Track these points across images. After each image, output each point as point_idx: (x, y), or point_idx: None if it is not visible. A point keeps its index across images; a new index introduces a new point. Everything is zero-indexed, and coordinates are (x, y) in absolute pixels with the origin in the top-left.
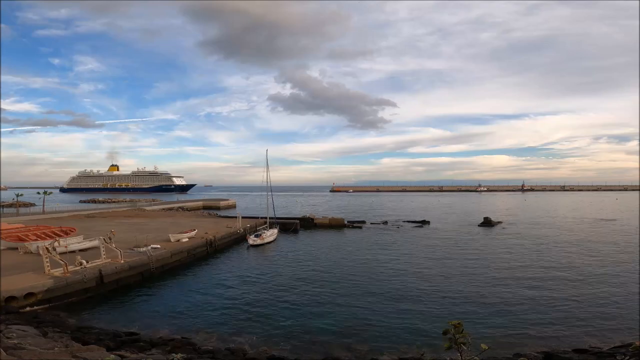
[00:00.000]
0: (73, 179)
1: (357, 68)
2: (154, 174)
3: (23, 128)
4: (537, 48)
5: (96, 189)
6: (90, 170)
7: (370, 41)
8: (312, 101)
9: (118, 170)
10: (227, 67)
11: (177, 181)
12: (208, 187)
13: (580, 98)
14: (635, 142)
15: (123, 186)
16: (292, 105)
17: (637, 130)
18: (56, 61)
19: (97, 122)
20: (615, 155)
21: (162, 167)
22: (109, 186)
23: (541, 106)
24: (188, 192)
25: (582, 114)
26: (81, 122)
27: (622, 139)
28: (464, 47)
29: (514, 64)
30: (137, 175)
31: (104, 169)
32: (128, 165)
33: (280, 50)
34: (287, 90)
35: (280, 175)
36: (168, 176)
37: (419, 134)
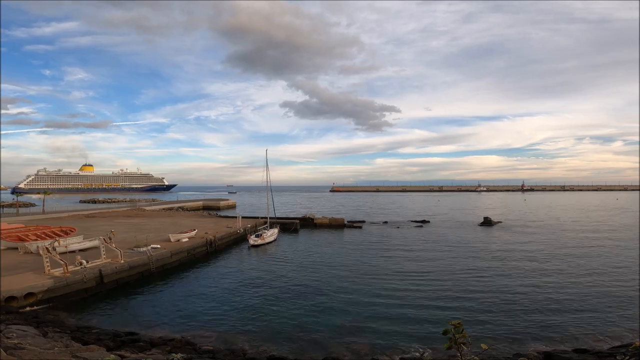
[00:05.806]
0: (33, 178)
1: (357, 77)
2: (144, 175)
3: (23, 130)
4: (487, 53)
5: (72, 190)
6: (59, 170)
7: (378, 60)
8: (319, 107)
9: (93, 170)
10: (210, 75)
11: (165, 182)
12: (230, 187)
13: (549, 100)
14: (620, 143)
15: (112, 186)
16: (302, 110)
17: (618, 132)
18: (47, 72)
19: (93, 124)
20: (604, 155)
21: (161, 169)
22: (93, 186)
23: (514, 108)
24: (170, 190)
25: (558, 116)
26: (78, 125)
27: (606, 139)
28: (421, 54)
29: (472, 69)
30: (124, 175)
31: (74, 170)
32: (127, 165)
33: (293, 64)
34: (299, 97)
35: (278, 175)
36: (151, 176)
37: (406, 135)
